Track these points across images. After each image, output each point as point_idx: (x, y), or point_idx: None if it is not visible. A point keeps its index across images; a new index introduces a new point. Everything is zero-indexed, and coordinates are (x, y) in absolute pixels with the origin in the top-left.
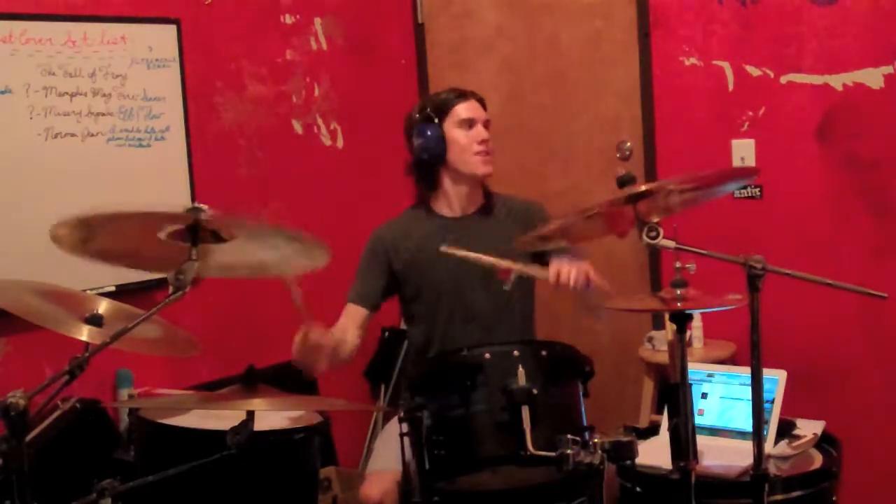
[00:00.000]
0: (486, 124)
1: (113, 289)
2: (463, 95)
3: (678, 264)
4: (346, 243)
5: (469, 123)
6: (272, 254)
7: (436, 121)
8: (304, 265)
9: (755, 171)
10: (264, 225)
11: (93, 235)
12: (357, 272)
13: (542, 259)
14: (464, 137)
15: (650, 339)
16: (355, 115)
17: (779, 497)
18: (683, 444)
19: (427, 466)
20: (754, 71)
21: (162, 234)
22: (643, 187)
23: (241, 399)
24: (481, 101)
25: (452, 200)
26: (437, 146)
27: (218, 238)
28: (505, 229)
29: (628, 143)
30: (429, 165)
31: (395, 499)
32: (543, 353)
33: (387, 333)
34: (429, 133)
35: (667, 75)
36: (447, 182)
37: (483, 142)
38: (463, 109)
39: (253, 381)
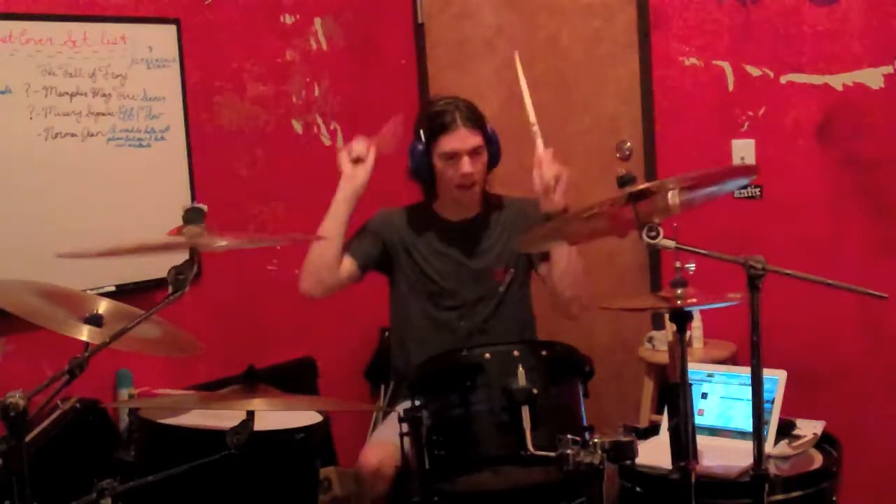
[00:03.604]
0: (474, 152)
1: (113, 289)
2: (449, 125)
3: (678, 264)
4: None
5: (452, 156)
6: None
7: (425, 143)
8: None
9: (755, 169)
10: (261, 239)
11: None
12: (358, 231)
13: (540, 258)
14: (446, 170)
15: (650, 339)
16: (355, 115)
17: (779, 497)
18: (683, 444)
19: (427, 466)
20: (754, 71)
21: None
22: (642, 186)
23: (241, 399)
24: (471, 122)
25: (451, 208)
26: (424, 171)
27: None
28: (505, 230)
29: (628, 143)
30: (423, 180)
31: (393, 466)
32: (543, 353)
33: (386, 333)
34: (418, 157)
35: (667, 75)
36: (443, 194)
37: (464, 176)
38: (447, 142)
39: (253, 381)
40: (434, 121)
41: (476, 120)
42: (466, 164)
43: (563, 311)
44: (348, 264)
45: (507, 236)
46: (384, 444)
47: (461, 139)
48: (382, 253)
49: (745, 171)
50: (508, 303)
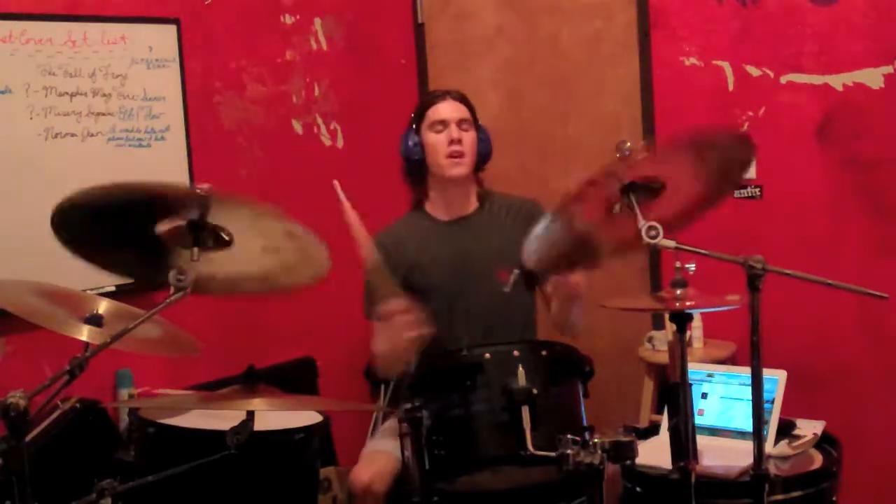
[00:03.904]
0: (462, 123)
1: (113, 289)
2: (437, 97)
3: (678, 264)
4: (345, 243)
5: (441, 125)
6: (274, 260)
7: (415, 126)
8: (308, 274)
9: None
10: (262, 209)
11: (94, 228)
12: (370, 287)
13: (535, 278)
14: (436, 141)
15: (650, 339)
16: (355, 115)
17: (779, 497)
18: (683, 444)
19: (427, 466)
20: (754, 71)
21: (162, 228)
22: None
23: (241, 399)
24: (460, 99)
25: (444, 204)
26: (415, 152)
27: (219, 242)
28: (502, 230)
29: (628, 143)
30: (415, 171)
31: (386, 483)
32: (543, 353)
33: None
34: (409, 140)
35: (667, 75)
36: (435, 187)
37: (452, 142)
38: (435, 112)
39: (253, 381)
40: (422, 101)
41: (465, 100)
42: (455, 131)
43: (560, 331)
44: None
45: (506, 234)
46: (376, 460)
47: (448, 109)
48: (401, 284)
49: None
50: (514, 303)
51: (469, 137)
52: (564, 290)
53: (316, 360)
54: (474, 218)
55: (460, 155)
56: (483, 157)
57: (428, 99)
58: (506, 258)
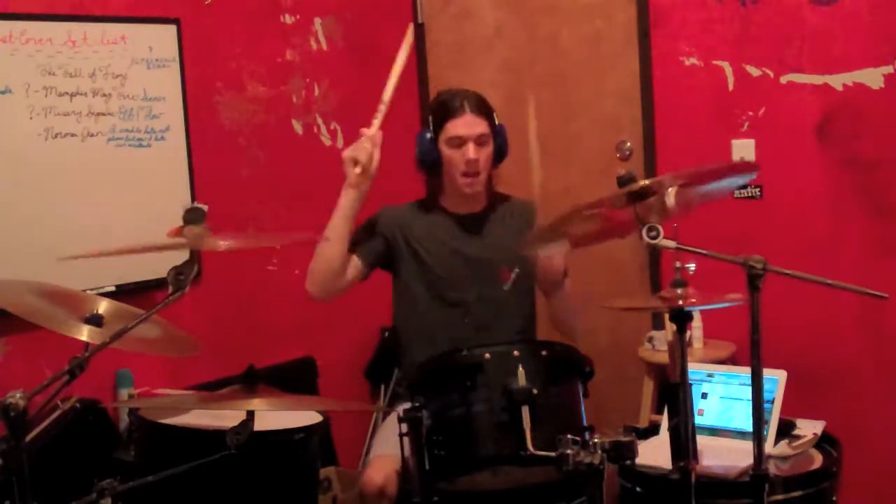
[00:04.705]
0: (480, 139)
1: (113, 289)
2: (457, 111)
3: (678, 264)
4: None
5: (459, 142)
6: None
7: (432, 131)
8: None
9: (755, 166)
10: (261, 239)
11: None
12: (361, 228)
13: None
14: (452, 156)
15: (650, 339)
16: (355, 115)
17: (779, 497)
18: (683, 444)
19: (427, 466)
20: (754, 71)
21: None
22: (642, 183)
23: (241, 399)
24: (478, 109)
25: (455, 200)
26: (431, 158)
27: None
28: (506, 228)
29: (628, 143)
30: (431, 169)
31: (396, 482)
32: (543, 353)
33: (387, 333)
34: (425, 144)
35: (667, 75)
36: (448, 185)
37: (469, 162)
38: (453, 127)
39: (253, 381)
40: (442, 107)
41: (483, 109)
42: (471, 150)
43: (561, 332)
44: (356, 264)
45: (513, 235)
46: (385, 460)
47: (467, 125)
48: (387, 249)
49: (745, 168)
50: (512, 302)
51: (485, 153)
52: (549, 274)
53: (316, 360)
54: (482, 216)
55: (475, 174)
56: (499, 158)
57: (447, 107)
58: (509, 255)
